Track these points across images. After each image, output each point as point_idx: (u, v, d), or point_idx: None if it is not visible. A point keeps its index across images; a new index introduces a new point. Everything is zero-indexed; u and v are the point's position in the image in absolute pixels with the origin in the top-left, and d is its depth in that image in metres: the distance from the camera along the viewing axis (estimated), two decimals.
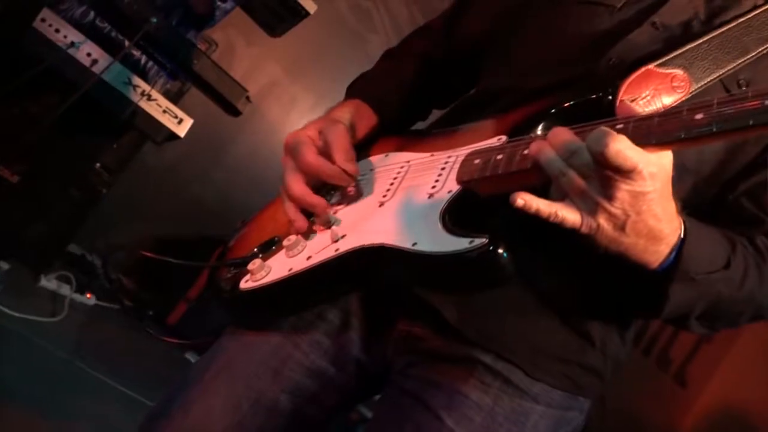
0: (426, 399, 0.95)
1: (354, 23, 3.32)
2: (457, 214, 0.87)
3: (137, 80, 2.03)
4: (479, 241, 0.78)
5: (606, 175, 0.72)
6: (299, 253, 0.97)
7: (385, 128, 1.15)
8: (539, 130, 0.90)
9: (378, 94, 1.16)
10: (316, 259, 0.94)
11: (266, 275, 0.97)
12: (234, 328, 1.06)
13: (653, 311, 0.89)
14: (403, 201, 0.96)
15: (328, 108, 1.16)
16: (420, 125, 1.30)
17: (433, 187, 0.92)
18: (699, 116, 0.71)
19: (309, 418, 1.01)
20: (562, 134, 0.75)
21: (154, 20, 1.80)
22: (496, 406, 0.96)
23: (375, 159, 1.10)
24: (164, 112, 2.05)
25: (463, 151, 0.94)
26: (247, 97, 1.94)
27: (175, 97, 2.15)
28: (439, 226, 0.85)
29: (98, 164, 2.34)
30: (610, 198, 0.73)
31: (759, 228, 0.92)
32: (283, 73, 3.30)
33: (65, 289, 2.38)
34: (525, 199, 0.76)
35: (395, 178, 1.01)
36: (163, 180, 2.85)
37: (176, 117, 2.06)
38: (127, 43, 1.91)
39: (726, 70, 0.93)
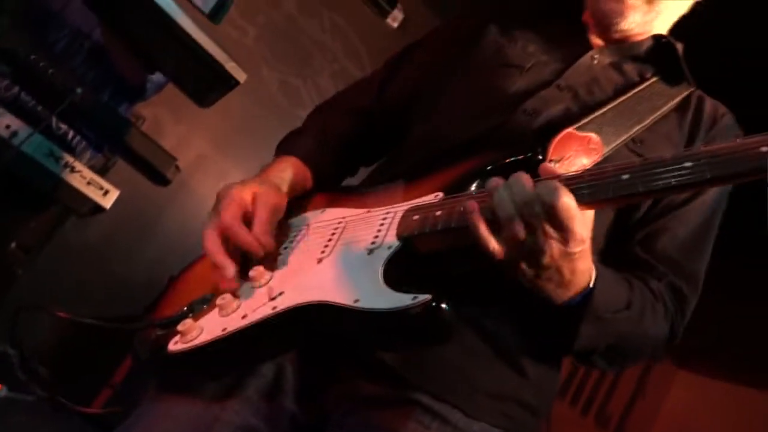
0: None
1: (282, 99, 3.39)
2: (397, 269, 0.89)
3: (60, 152, 1.97)
4: (423, 297, 0.80)
5: (546, 230, 0.78)
6: (233, 311, 0.94)
7: (318, 183, 1.18)
8: (473, 187, 0.95)
9: (310, 150, 1.20)
10: (253, 317, 0.91)
11: (198, 336, 0.93)
12: (156, 393, 1.00)
13: (566, 347, 0.99)
14: (342, 257, 0.96)
15: (263, 165, 1.17)
16: (350, 180, 1.32)
17: (372, 242, 0.94)
18: (625, 176, 0.78)
19: None
20: (524, 181, 0.80)
21: (80, 91, 1.77)
22: None
23: (310, 215, 1.11)
24: (89, 183, 1.98)
25: (400, 208, 0.97)
26: (177, 166, 1.91)
27: (101, 169, 2.08)
28: (381, 281, 0.86)
29: (14, 243, 2.22)
30: (541, 253, 0.79)
31: (651, 272, 1.04)
32: (212, 147, 3.30)
33: None
34: (474, 221, 0.80)
35: (333, 234, 1.02)
36: (86, 258, 2.72)
37: (101, 188, 1.99)
38: (49, 114, 1.86)
39: (628, 135, 1.06)
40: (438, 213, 0.90)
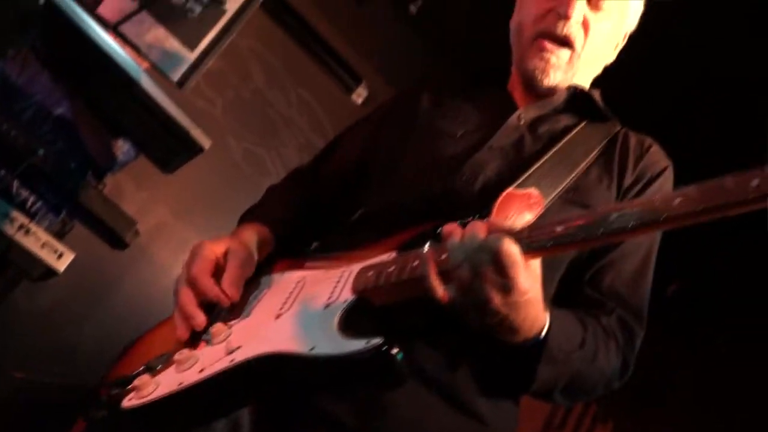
0: None
1: (246, 167, 3.44)
2: (352, 322, 0.92)
3: (15, 213, 1.95)
4: (375, 341, 0.82)
5: (490, 278, 0.82)
6: (191, 366, 0.95)
7: (279, 249, 1.23)
8: (425, 248, 0.99)
9: (271, 218, 1.26)
10: (210, 370, 0.92)
11: (153, 391, 0.93)
12: None
13: (524, 388, 1.03)
14: (299, 312, 0.99)
15: (234, 230, 1.22)
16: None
17: (329, 297, 0.97)
18: (559, 228, 0.83)
19: None
20: (477, 230, 0.84)
21: (41, 152, 1.78)
22: None
23: (273, 276, 1.16)
24: (43, 246, 1.95)
25: (356, 266, 1.02)
26: (136, 230, 1.91)
27: (58, 232, 2.06)
28: (336, 331, 0.89)
29: None
30: (488, 300, 0.83)
31: (602, 309, 1.09)
32: (173, 215, 3.29)
33: None
34: (425, 267, 0.83)
35: (291, 293, 1.05)
36: (37, 322, 2.63)
37: (56, 251, 1.96)
38: (7, 175, 1.85)
39: (566, 182, 1.12)
40: (391, 268, 0.93)
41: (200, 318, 1.03)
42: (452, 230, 0.88)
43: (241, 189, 3.38)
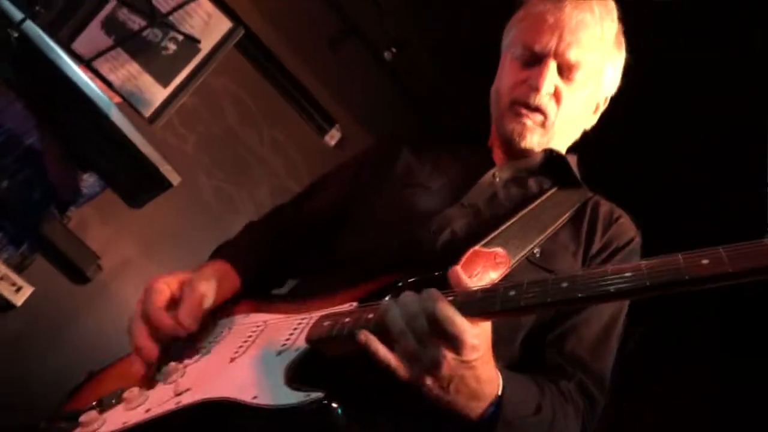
0: None
1: (216, 204, 3.42)
2: (302, 372, 0.91)
3: None
4: (315, 395, 0.82)
5: (437, 341, 0.82)
6: (139, 405, 0.94)
7: (246, 290, 1.21)
8: (386, 299, 0.99)
9: (240, 258, 1.25)
10: (155, 412, 0.91)
11: (98, 428, 0.91)
12: None
13: None
14: (253, 357, 0.98)
15: (199, 265, 1.21)
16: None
17: (283, 345, 0.97)
18: (512, 293, 0.84)
19: None
20: (409, 297, 0.85)
21: (5, 183, 1.76)
22: None
23: (235, 318, 1.15)
24: (1, 278, 1.91)
25: (316, 314, 1.01)
26: (98, 265, 1.88)
27: (17, 265, 2.02)
28: (281, 380, 0.88)
29: None
30: (438, 364, 0.83)
31: (561, 374, 1.08)
32: (138, 251, 3.23)
33: None
34: (367, 337, 0.83)
35: (250, 336, 1.04)
36: None
37: (14, 284, 1.92)
38: None
39: (533, 244, 1.14)
40: (347, 320, 0.93)
41: (149, 349, 1.01)
42: (388, 305, 0.87)
43: (209, 227, 3.34)
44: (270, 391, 0.86)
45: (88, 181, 2.12)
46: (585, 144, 1.41)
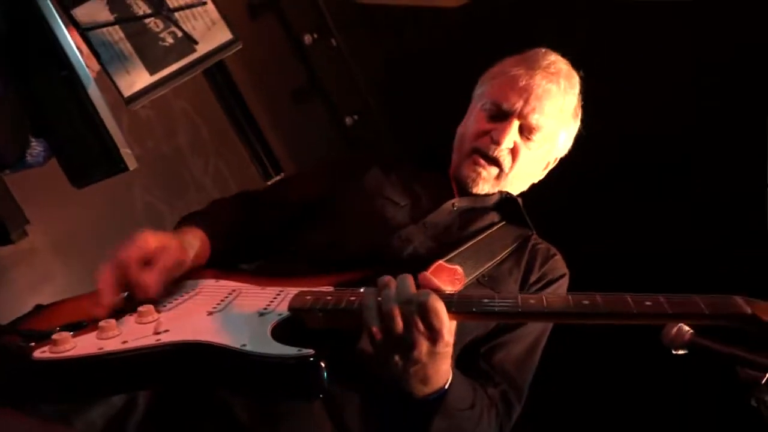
0: None
1: (144, 220, 3.34)
2: (283, 333, 0.96)
3: None
4: (306, 351, 0.89)
5: (420, 328, 0.92)
6: (114, 336, 0.95)
7: (213, 259, 1.26)
8: (362, 290, 1.08)
9: (215, 231, 1.31)
10: (133, 344, 0.93)
11: (70, 349, 0.91)
12: None
13: None
14: (233, 313, 1.03)
15: (177, 229, 1.25)
16: None
17: (265, 308, 1.03)
18: (486, 300, 0.96)
19: None
20: (409, 282, 0.95)
21: None
22: None
23: (206, 281, 1.19)
24: None
25: (293, 290, 1.08)
26: (25, 231, 1.81)
27: None
28: (269, 335, 0.93)
29: None
30: (412, 348, 0.93)
31: (490, 381, 1.22)
32: (49, 245, 3.09)
33: None
34: (365, 303, 0.90)
35: (226, 297, 1.09)
36: None
37: None
38: None
39: (484, 268, 1.29)
40: (329, 297, 1.01)
41: (108, 297, 1.03)
42: (388, 281, 0.98)
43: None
44: (259, 342, 0.90)
45: (36, 149, 2.07)
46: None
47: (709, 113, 2.57)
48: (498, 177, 1.47)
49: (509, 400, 1.26)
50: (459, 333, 1.20)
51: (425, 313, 0.93)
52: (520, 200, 1.54)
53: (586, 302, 0.91)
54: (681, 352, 1.24)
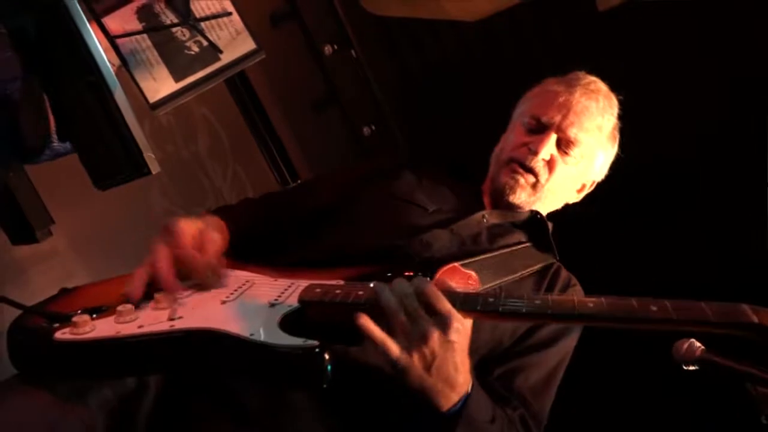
0: None
1: (160, 224, 3.39)
2: (292, 324, 0.99)
3: None
4: (311, 342, 0.92)
5: (426, 319, 0.94)
6: (131, 321, 1.00)
7: (232, 249, 1.30)
8: (371, 284, 1.10)
9: (236, 223, 1.35)
10: (148, 329, 0.97)
11: (90, 332, 0.96)
12: (6, 386, 0.95)
13: None
14: (245, 303, 1.06)
15: (203, 213, 1.30)
16: None
17: (276, 299, 1.06)
18: (491, 299, 0.98)
19: None
20: (403, 281, 0.97)
21: None
22: None
23: (222, 271, 1.21)
24: None
25: (304, 282, 1.11)
26: (50, 230, 1.86)
27: None
28: (277, 326, 0.96)
29: None
30: (425, 338, 0.95)
31: (507, 404, 1.20)
32: (69, 246, 3.15)
33: None
34: (365, 321, 0.93)
35: (239, 287, 1.13)
36: None
37: None
38: None
39: (501, 280, 1.30)
40: (337, 291, 1.03)
41: (171, 279, 1.06)
42: (382, 287, 1.00)
43: (147, 243, 3.31)
44: (267, 332, 0.93)
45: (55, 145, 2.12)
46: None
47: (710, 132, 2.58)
48: (534, 187, 1.49)
49: (528, 426, 1.24)
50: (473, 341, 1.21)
51: (424, 298, 0.95)
52: (550, 225, 1.55)
53: (591, 305, 0.92)
54: (692, 367, 1.24)
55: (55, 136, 2.07)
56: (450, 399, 1.03)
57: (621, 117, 1.63)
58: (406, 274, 1.12)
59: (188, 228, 1.18)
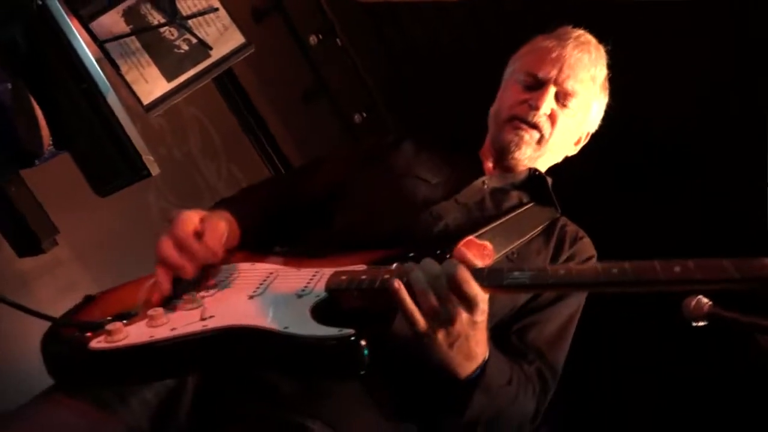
0: None
1: (160, 226, 3.39)
2: (322, 313, 1.00)
3: None
4: (347, 331, 0.93)
5: (454, 300, 0.95)
6: (162, 324, 1.00)
7: (247, 240, 1.31)
8: (393, 266, 1.12)
9: (244, 215, 1.35)
10: (182, 331, 0.97)
11: (124, 339, 0.96)
12: (47, 394, 0.97)
13: (459, 414, 1.15)
14: (273, 297, 1.07)
15: (210, 208, 1.30)
16: None
17: (303, 289, 1.06)
18: (516, 272, 0.99)
19: None
20: (432, 263, 0.99)
21: None
22: None
23: (242, 265, 1.23)
24: None
25: (328, 270, 1.12)
26: (56, 240, 1.86)
27: None
28: (309, 316, 0.97)
29: None
30: (453, 320, 0.96)
31: (524, 359, 1.24)
32: (71, 254, 3.15)
33: None
34: (400, 286, 0.95)
35: (264, 280, 1.13)
36: None
37: None
38: None
39: (513, 245, 1.32)
40: (363, 276, 1.04)
41: (189, 269, 1.07)
42: (411, 266, 1.01)
43: (148, 246, 3.31)
44: (301, 324, 0.93)
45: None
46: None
47: (710, 109, 2.59)
48: (539, 142, 1.51)
49: (545, 377, 1.29)
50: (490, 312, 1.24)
51: (455, 283, 0.97)
52: (549, 180, 1.58)
53: (615, 270, 0.92)
54: (701, 323, 1.27)
55: (52, 147, 2.06)
56: (468, 369, 1.07)
57: (610, 66, 1.65)
58: (416, 254, 1.14)
59: (190, 216, 1.19)
